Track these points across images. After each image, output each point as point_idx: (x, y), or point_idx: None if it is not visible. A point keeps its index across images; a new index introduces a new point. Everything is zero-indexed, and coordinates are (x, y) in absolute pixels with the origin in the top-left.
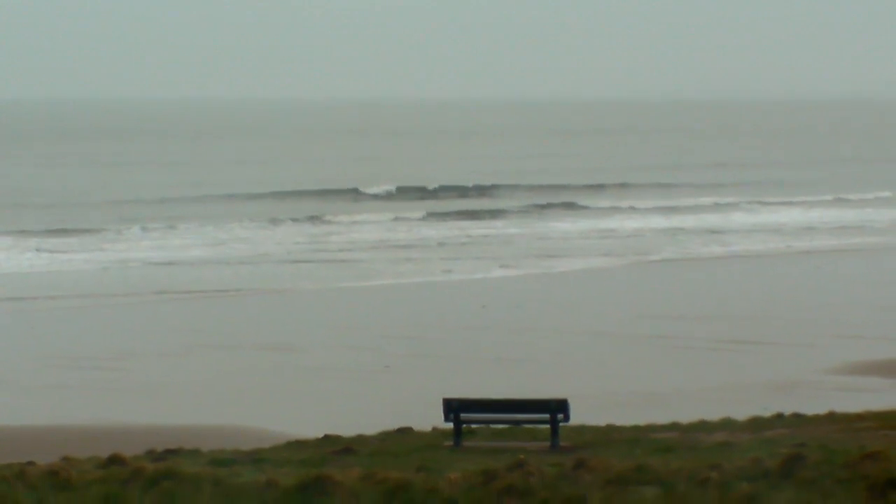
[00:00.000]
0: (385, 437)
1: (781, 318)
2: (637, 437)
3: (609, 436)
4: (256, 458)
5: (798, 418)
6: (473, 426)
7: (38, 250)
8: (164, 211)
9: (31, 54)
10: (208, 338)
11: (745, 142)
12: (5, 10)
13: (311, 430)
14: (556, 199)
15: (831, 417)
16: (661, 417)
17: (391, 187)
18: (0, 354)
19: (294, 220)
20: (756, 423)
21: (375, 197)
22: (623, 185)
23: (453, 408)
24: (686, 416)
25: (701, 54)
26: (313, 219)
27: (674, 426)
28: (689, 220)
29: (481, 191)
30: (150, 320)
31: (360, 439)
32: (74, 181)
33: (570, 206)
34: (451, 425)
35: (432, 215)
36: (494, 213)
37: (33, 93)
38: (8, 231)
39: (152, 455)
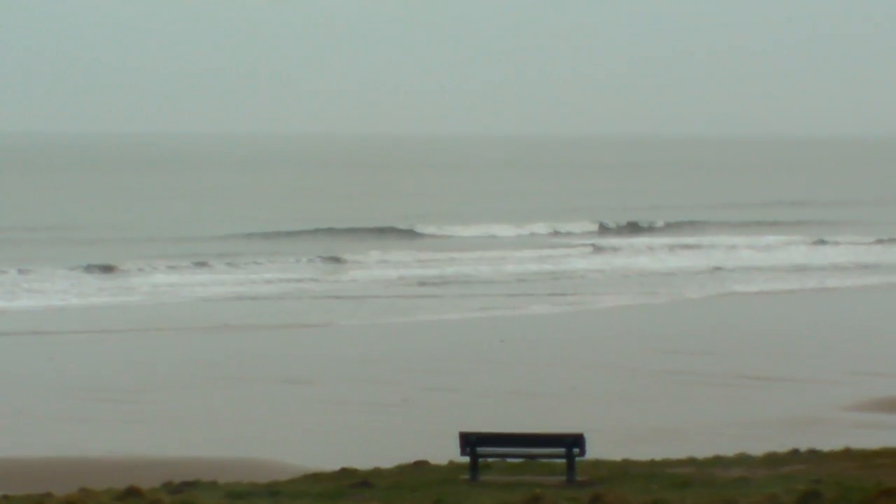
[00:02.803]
0: (402, 470)
1: (799, 355)
2: (653, 471)
3: (625, 470)
4: (273, 490)
5: (814, 454)
6: (490, 460)
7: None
8: (191, 248)
9: (24, 87)
10: (227, 370)
11: (782, 179)
12: (25, 44)
13: (328, 463)
14: (592, 237)
15: (848, 454)
16: (678, 452)
17: (431, 225)
18: (21, 386)
19: (322, 258)
20: (772, 459)
21: (415, 234)
22: (658, 226)
23: (470, 442)
24: (702, 451)
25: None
26: (337, 258)
27: (690, 461)
28: (718, 258)
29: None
30: (169, 353)
31: (377, 472)
32: (100, 215)
33: (599, 246)
34: (467, 459)
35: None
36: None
37: (32, 125)
38: (34, 267)
39: (169, 487)
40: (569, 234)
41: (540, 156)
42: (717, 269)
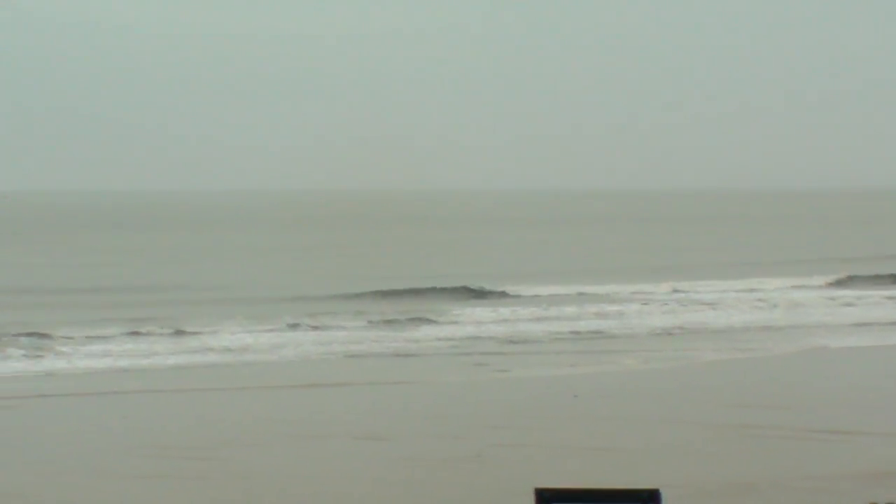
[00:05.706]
0: None
1: (878, 408)
2: None
3: None
4: None
5: None
6: None
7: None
8: (267, 308)
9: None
10: (300, 428)
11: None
12: (38, 102)
13: None
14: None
15: None
16: None
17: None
18: (96, 445)
19: (402, 317)
20: None
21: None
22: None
23: (545, 498)
24: None
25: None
26: (417, 318)
27: None
28: (797, 315)
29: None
30: (243, 412)
31: None
32: (164, 275)
33: (682, 302)
34: None
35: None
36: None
37: (44, 184)
38: (107, 328)
39: None
40: (648, 292)
41: (595, 210)
42: (818, 324)
